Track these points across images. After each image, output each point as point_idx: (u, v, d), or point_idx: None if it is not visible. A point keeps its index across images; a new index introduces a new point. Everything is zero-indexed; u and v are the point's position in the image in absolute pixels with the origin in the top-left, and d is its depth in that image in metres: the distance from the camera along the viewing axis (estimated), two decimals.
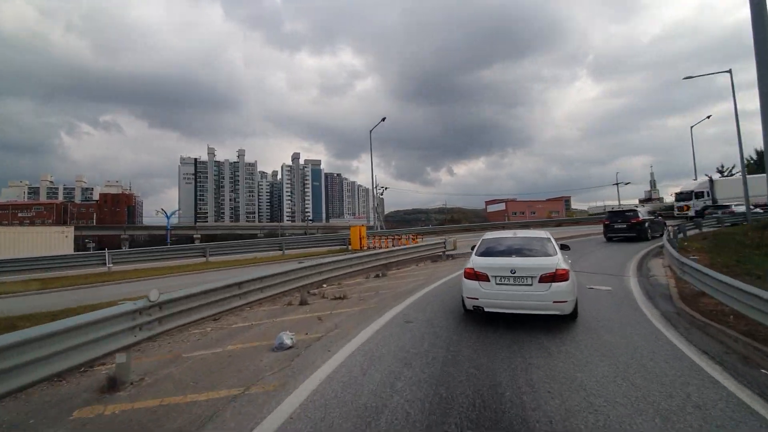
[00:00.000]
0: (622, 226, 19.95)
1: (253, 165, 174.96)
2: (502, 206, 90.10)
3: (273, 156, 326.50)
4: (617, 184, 69.72)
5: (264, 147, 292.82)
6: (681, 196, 35.85)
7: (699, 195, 33.58)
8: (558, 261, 5.89)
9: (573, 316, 6.04)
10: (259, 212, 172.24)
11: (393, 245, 20.79)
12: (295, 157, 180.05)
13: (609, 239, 20.56)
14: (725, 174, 54.06)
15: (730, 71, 24.57)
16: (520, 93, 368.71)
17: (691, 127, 40.87)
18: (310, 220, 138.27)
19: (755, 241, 13.56)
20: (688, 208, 36.43)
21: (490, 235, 7.50)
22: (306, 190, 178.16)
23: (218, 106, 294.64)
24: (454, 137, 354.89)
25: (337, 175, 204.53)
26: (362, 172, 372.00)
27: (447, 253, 15.15)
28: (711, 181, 34.18)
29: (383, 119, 32.55)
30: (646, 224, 19.95)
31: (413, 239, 21.33)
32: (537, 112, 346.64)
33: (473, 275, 6.11)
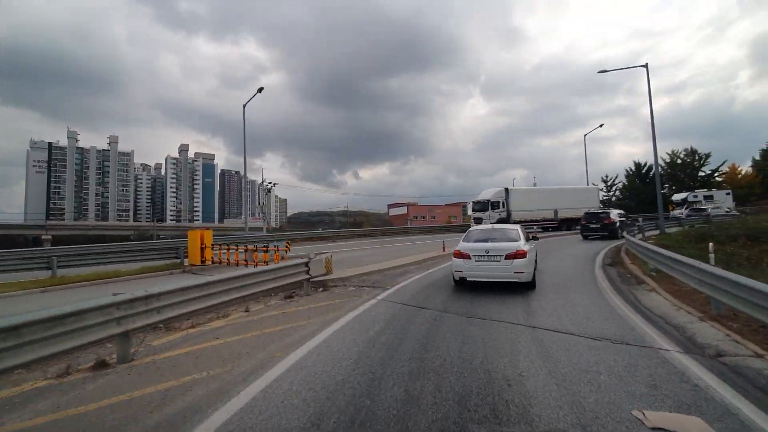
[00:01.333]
0: (596, 226, 21.72)
1: (128, 155, 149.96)
2: (404, 209, 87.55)
3: (163, 148, 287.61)
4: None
5: (151, 137, 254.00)
6: (477, 206, 32.51)
7: (495, 205, 31.13)
8: (519, 244, 8.08)
9: (531, 285, 8.13)
10: (136, 210, 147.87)
11: (246, 260, 13.65)
12: (183, 149, 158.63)
13: (585, 237, 22.07)
14: (608, 183, 57.15)
15: (646, 65, 22.74)
16: (423, 104, 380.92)
17: (585, 135, 41.66)
18: (159, 220, 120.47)
19: (749, 257, 9.65)
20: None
21: (475, 228, 10.16)
22: (195, 186, 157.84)
23: (95, 87, 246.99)
24: (361, 141, 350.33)
25: (236, 172, 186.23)
26: (267, 170, 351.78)
27: (314, 278, 8.68)
28: (506, 191, 31.97)
29: (260, 90, 25.14)
30: (617, 224, 21.49)
31: (286, 247, 14.47)
32: (437, 124, 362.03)
33: (460, 255, 8.23)
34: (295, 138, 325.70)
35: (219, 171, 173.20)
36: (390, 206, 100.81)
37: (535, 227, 27.82)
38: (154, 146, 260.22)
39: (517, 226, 9.45)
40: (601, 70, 24.75)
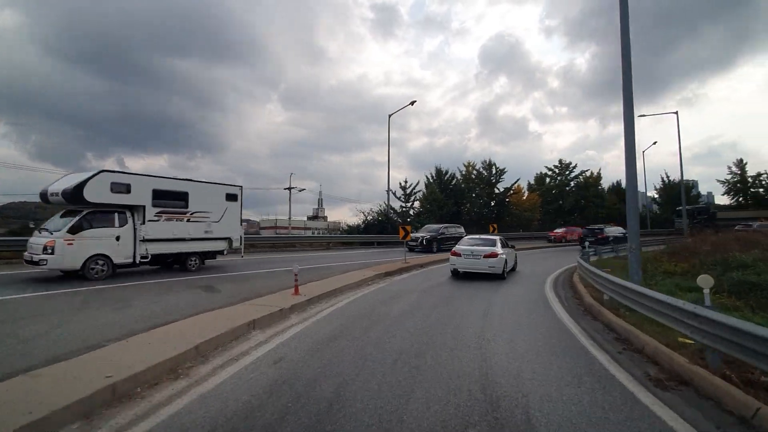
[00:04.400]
0: (592, 239, 26.58)
1: None
2: None
3: None
4: (290, 188, 55.82)
5: None
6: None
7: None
8: (494, 249, 12.55)
9: (501, 276, 12.27)
10: None
11: None
12: None
13: (584, 247, 25.58)
14: (407, 192, 46.19)
15: None
16: (217, 97, 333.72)
17: (389, 114, 28.20)
18: None
19: None
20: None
21: (467, 237, 15.45)
22: None
23: None
24: (132, 123, 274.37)
25: None
26: None
27: None
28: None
29: None
30: (610, 238, 25.93)
31: None
32: (231, 122, 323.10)
33: (455, 254, 12.80)
34: (30, 103, 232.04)
35: None
36: None
37: None
38: None
39: (497, 237, 14.58)
40: None
